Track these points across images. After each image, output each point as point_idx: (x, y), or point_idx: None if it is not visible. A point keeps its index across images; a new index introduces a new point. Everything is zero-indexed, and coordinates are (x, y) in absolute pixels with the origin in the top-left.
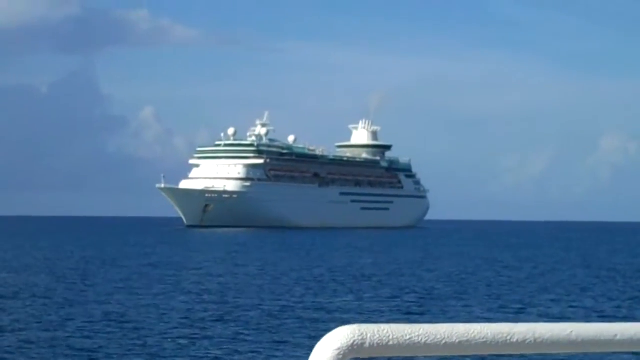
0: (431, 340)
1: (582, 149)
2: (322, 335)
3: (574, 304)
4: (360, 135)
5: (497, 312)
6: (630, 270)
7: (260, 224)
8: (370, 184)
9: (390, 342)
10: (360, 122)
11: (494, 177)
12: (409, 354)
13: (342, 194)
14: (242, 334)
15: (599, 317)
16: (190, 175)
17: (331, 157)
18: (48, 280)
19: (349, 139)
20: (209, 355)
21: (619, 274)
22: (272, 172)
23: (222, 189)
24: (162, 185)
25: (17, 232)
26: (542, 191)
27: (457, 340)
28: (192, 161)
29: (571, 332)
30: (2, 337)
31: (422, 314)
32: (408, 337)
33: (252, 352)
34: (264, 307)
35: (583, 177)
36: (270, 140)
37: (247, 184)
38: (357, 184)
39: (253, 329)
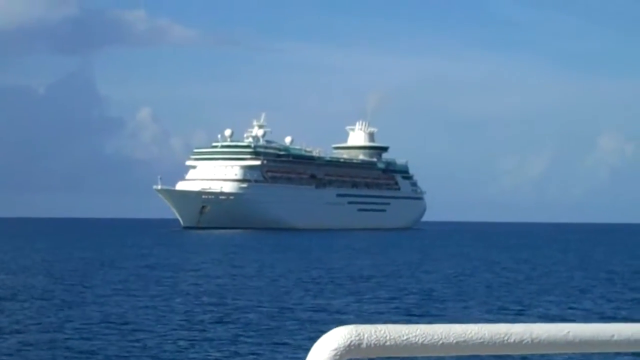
0: (428, 341)
1: (580, 150)
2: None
3: (573, 306)
4: (357, 136)
5: (496, 314)
6: (629, 271)
7: (257, 226)
8: (367, 186)
9: (387, 343)
10: (357, 124)
11: (492, 178)
12: (406, 354)
13: (338, 195)
14: (241, 335)
15: (599, 318)
16: (187, 177)
17: (328, 159)
18: (46, 281)
19: (346, 141)
20: (208, 357)
21: (617, 276)
22: (269, 174)
23: (219, 191)
24: (159, 187)
25: (15, 234)
26: (540, 193)
27: (454, 341)
28: (189, 162)
29: (568, 332)
30: (1, 339)
31: (421, 315)
32: (405, 337)
33: (252, 353)
34: (263, 309)
35: (581, 178)
36: (267, 141)
37: (244, 185)
38: (354, 185)
39: (252, 331)
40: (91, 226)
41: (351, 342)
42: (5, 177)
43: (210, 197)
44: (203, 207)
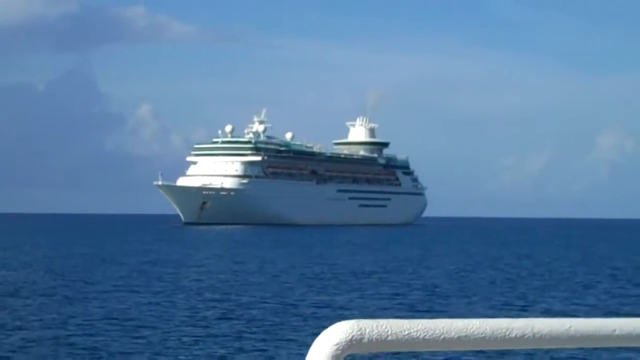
0: (430, 336)
1: (580, 147)
2: None
3: (577, 301)
4: (358, 132)
5: (500, 309)
6: (631, 267)
7: (257, 221)
8: (368, 181)
9: (389, 338)
10: (358, 119)
11: (493, 174)
12: (407, 349)
13: (339, 191)
14: (245, 331)
15: (603, 314)
16: (188, 173)
17: (329, 154)
18: (48, 277)
19: (346, 136)
20: (213, 353)
21: (620, 271)
22: (270, 169)
23: (219, 186)
24: (160, 183)
25: (15, 230)
26: (540, 188)
27: (456, 336)
28: (189, 158)
29: (570, 327)
30: (4, 336)
31: (426, 311)
32: (407, 332)
33: (256, 350)
34: (266, 305)
35: (581, 174)
36: (268, 137)
37: (245, 181)
38: (355, 181)
39: (256, 327)
40: (92, 222)
41: (353, 336)
42: (6, 173)
43: (210, 192)
44: (204, 202)
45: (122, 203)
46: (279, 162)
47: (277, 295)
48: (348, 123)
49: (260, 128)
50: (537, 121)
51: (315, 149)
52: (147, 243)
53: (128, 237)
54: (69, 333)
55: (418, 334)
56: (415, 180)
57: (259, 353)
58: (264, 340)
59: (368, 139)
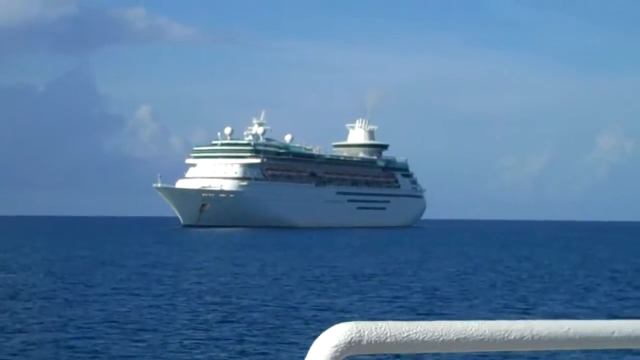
0: (429, 337)
1: (580, 148)
2: None
3: (578, 304)
4: (357, 134)
5: (501, 312)
6: (632, 269)
7: (256, 224)
8: (367, 184)
9: (388, 339)
10: (357, 122)
11: (492, 176)
12: (406, 351)
13: (338, 193)
14: (246, 335)
15: (605, 317)
16: (187, 175)
17: (328, 157)
18: (48, 280)
19: (346, 139)
20: (214, 357)
21: (621, 274)
22: (269, 172)
23: (218, 189)
24: (159, 185)
25: (14, 232)
26: (540, 189)
27: (455, 338)
28: (188, 160)
29: (569, 329)
30: (4, 339)
31: (427, 314)
32: (405, 334)
33: (258, 353)
34: (267, 308)
35: (581, 175)
36: (267, 139)
37: (244, 183)
38: (354, 183)
39: (257, 330)
40: (91, 224)
41: (352, 338)
42: (5, 175)
43: (210, 195)
44: (203, 205)
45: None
46: (278, 164)
47: (277, 298)
48: (347, 125)
49: (260, 130)
50: (537, 121)
51: (315, 151)
52: (146, 245)
53: (127, 240)
54: (69, 336)
55: (417, 336)
56: (414, 182)
57: (261, 356)
58: (265, 343)
59: (367, 141)
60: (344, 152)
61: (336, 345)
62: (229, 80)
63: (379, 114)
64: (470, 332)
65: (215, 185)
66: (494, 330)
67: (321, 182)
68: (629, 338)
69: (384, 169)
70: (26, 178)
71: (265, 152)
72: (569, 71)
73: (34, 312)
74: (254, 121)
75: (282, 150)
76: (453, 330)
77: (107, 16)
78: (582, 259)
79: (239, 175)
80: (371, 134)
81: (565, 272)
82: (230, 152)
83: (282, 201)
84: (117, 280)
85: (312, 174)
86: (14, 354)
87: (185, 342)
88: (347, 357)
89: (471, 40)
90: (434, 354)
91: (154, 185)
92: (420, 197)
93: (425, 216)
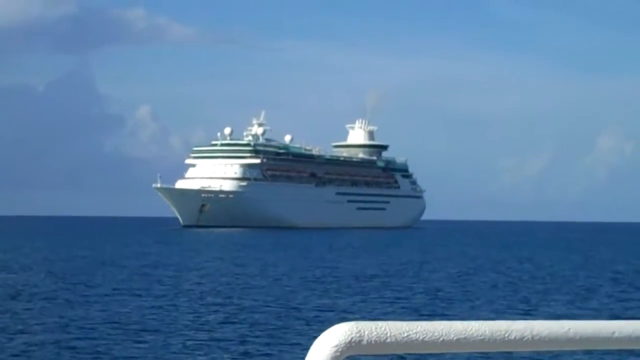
0: (429, 338)
1: (580, 149)
2: None
3: (580, 305)
4: (357, 135)
5: (503, 313)
6: (633, 270)
7: (256, 224)
8: (367, 184)
9: (388, 339)
10: (357, 122)
11: (492, 177)
12: (406, 351)
13: (338, 193)
14: (249, 335)
15: (607, 318)
16: (187, 175)
17: (328, 157)
18: (48, 280)
19: (345, 139)
20: (217, 358)
21: (622, 275)
22: (269, 172)
23: (218, 189)
24: (159, 185)
25: (14, 232)
26: (540, 190)
27: (455, 338)
28: (188, 161)
29: (569, 329)
30: (6, 339)
31: (429, 314)
32: (406, 334)
33: (261, 354)
34: (269, 308)
35: (580, 177)
36: (267, 139)
37: (244, 183)
38: (354, 183)
39: (260, 331)
40: (91, 224)
41: (352, 338)
42: (5, 174)
43: (209, 195)
44: (202, 205)
45: (121, 205)
46: (278, 164)
47: (279, 298)
48: (347, 125)
49: (260, 130)
50: (536, 122)
51: (315, 152)
52: (146, 246)
53: (127, 240)
54: (71, 337)
55: (417, 336)
56: (414, 183)
57: (264, 357)
58: (268, 344)
59: (367, 142)
60: (344, 153)
61: (336, 345)
62: (229, 80)
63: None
64: (471, 333)
65: (215, 185)
66: (494, 330)
67: (321, 182)
68: (629, 338)
69: (384, 169)
70: (26, 178)
71: (265, 153)
72: (569, 72)
73: (35, 313)
74: (254, 121)
75: (282, 151)
76: (453, 331)
77: (107, 16)
78: (584, 260)
79: (238, 175)
80: (371, 135)
81: (566, 273)
82: (230, 152)
83: (282, 201)
84: (117, 281)
85: (312, 175)
86: (17, 355)
87: (188, 343)
88: (347, 357)
89: (471, 41)
90: (436, 354)
91: (154, 185)
92: (419, 197)
93: (425, 217)
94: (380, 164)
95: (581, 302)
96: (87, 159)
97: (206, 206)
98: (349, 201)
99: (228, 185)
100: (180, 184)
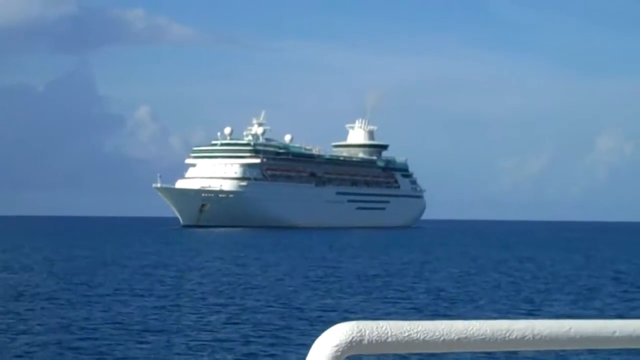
0: (430, 337)
1: (579, 149)
2: None
3: (584, 305)
4: (357, 134)
5: (506, 313)
6: (635, 270)
7: (256, 224)
8: (367, 184)
9: (389, 339)
10: (357, 122)
11: (492, 176)
12: (407, 351)
13: (338, 193)
14: (251, 335)
15: (611, 317)
16: (187, 175)
17: (327, 157)
18: (49, 281)
19: (345, 139)
20: (220, 359)
21: (624, 274)
22: (269, 172)
23: (218, 189)
24: (159, 185)
25: (14, 232)
26: (539, 191)
27: (456, 337)
28: (188, 160)
29: (570, 328)
30: (8, 340)
31: (432, 314)
32: (407, 333)
33: (265, 354)
34: (272, 309)
35: (580, 177)
36: (267, 139)
37: (244, 183)
38: (354, 183)
39: (263, 331)
40: (91, 224)
41: (353, 338)
42: (5, 175)
43: (209, 195)
44: (203, 205)
45: (121, 205)
46: (277, 164)
47: (281, 298)
48: (347, 125)
49: (259, 130)
50: (536, 123)
51: (314, 152)
52: (147, 245)
53: (128, 240)
54: (73, 337)
55: (418, 336)
56: (414, 182)
57: (269, 358)
58: (272, 344)
59: (367, 142)
60: (344, 152)
61: (337, 345)
62: (229, 80)
63: (379, 114)
64: (472, 332)
65: (215, 185)
66: (496, 329)
67: (321, 182)
68: (630, 338)
69: (384, 169)
70: (26, 178)
71: (265, 152)
72: (569, 72)
73: (37, 313)
74: (254, 121)
75: (281, 151)
76: (454, 330)
77: (107, 16)
78: (585, 260)
79: (238, 175)
80: (371, 134)
81: (568, 273)
82: (230, 152)
83: (282, 201)
84: (119, 281)
85: (312, 174)
86: (19, 356)
87: (191, 343)
88: (348, 357)
89: (471, 41)
90: (438, 354)
91: (154, 185)
92: (419, 197)
93: (424, 216)
94: (380, 163)
95: (584, 302)
96: (87, 159)
97: (206, 206)
98: (349, 201)
99: (228, 185)
100: (180, 184)
